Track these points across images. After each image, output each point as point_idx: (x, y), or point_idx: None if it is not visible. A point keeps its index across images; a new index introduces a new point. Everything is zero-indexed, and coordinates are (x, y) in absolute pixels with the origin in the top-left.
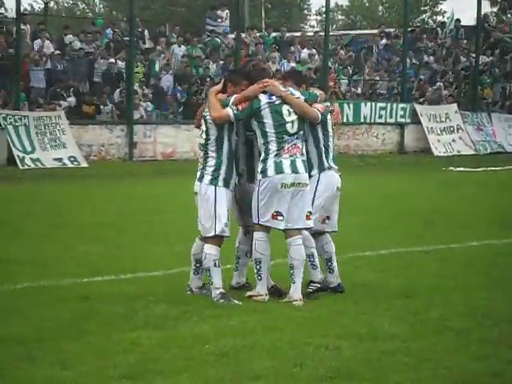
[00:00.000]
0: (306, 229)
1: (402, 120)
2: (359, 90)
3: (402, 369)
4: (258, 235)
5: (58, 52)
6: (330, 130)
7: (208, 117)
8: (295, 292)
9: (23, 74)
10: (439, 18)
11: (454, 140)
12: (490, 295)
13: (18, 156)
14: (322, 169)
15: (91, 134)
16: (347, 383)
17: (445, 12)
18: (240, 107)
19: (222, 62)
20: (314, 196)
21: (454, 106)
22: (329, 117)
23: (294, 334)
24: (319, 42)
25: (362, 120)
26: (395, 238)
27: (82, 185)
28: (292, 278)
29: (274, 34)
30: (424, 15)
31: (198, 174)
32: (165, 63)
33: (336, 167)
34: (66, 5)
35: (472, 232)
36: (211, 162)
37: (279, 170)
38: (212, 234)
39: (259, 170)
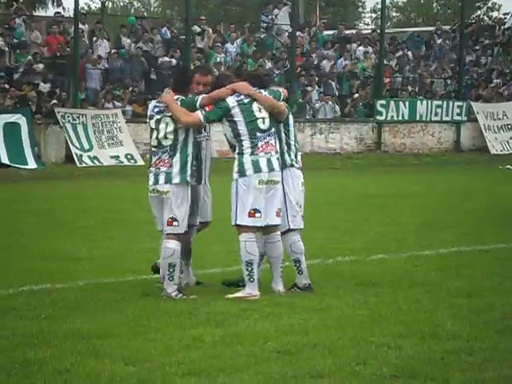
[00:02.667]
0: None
1: (459, 118)
2: (415, 88)
3: (465, 368)
4: (246, 236)
5: (114, 51)
6: (292, 127)
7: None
8: (276, 285)
9: (80, 73)
10: (495, 13)
11: (511, 138)
12: None
13: (75, 154)
14: (284, 165)
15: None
16: (412, 382)
17: (500, 6)
18: (207, 108)
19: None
20: (285, 193)
21: (511, 104)
22: (290, 115)
23: (355, 333)
24: (375, 40)
25: (418, 118)
26: (454, 237)
27: (137, 182)
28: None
29: (328, 32)
30: (479, 11)
31: (163, 175)
32: (219, 61)
33: (298, 165)
34: (121, 4)
35: None
36: (177, 160)
37: (257, 168)
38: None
39: (236, 169)
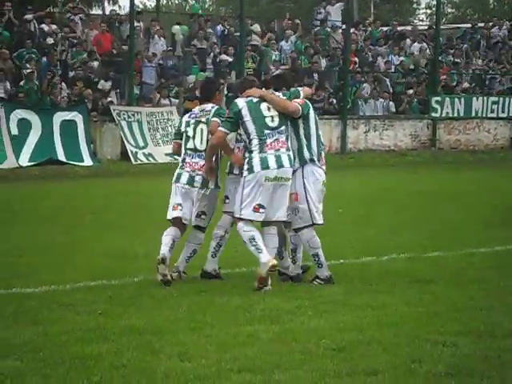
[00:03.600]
0: (284, 222)
1: None
2: (472, 85)
3: None
4: (246, 228)
5: (169, 48)
6: (313, 124)
7: None
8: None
9: (136, 71)
10: None
11: None
12: None
13: (131, 151)
14: (303, 162)
15: None
16: (468, 380)
17: None
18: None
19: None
20: (305, 190)
21: None
22: (311, 111)
23: (410, 331)
24: (430, 36)
25: (474, 114)
26: (511, 235)
27: None
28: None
29: (383, 28)
30: None
31: (200, 179)
32: (274, 58)
33: (319, 162)
34: (176, 1)
35: None
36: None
37: (265, 165)
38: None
39: (245, 166)
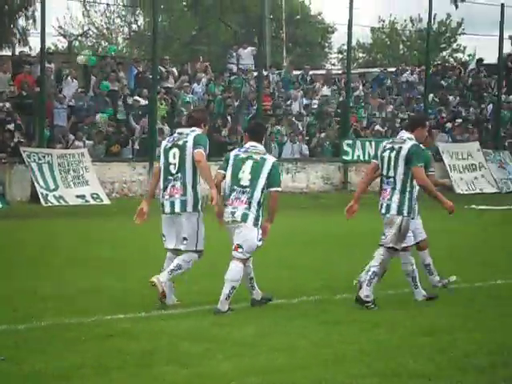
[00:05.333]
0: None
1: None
2: (383, 128)
3: None
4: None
5: (81, 90)
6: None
7: None
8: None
9: (47, 112)
10: (460, 55)
11: (476, 178)
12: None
13: (41, 193)
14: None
15: (113, 172)
16: None
17: (465, 48)
18: None
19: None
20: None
21: (477, 144)
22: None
23: (318, 373)
24: (341, 80)
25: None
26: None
27: (104, 221)
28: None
29: (296, 72)
30: (444, 52)
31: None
32: (187, 101)
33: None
34: (89, 43)
35: (494, 270)
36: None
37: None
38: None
39: None
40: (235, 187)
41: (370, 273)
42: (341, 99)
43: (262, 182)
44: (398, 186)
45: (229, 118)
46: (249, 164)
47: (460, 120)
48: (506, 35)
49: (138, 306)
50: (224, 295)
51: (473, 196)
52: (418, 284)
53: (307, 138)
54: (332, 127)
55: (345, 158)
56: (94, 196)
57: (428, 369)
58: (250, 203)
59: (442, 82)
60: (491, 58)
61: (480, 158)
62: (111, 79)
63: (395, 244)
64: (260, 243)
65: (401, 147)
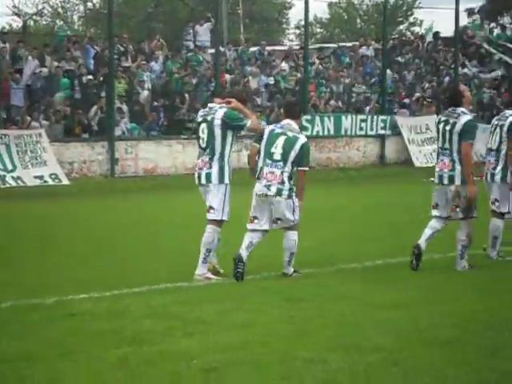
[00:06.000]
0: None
1: (383, 132)
2: (339, 103)
3: (388, 380)
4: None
5: (38, 70)
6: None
7: None
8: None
9: (3, 93)
10: (417, 28)
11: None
12: (477, 304)
13: None
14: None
15: (72, 152)
16: None
17: (422, 21)
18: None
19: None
20: None
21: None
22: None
23: (280, 349)
24: (299, 56)
25: (343, 133)
26: (380, 250)
27: (64, 202)
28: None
29: (253, 49)
30: (401, 26)
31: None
32: (144, 79)
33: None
34: (44, 22)
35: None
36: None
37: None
38: None
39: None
40: (268, 161)
41: (459, 247)
42: (299, 75)
43: (291, 157)
44: (457, 158)
45: (187, 95)
46: (282, 139)
47: (418, 94)
48: (462, 8)
49: (101, 285)
50: (285, 262)
51: (431, 169)
52: (466, 256)
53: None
54: None
55: (304, 133)
56: (53, 176)
57: (391, 342)
58: (282, 178)
59: (399, 56)
60: (448, 31)
61: None
62: (67, 59)
63: (472, 212)
64: (297, 217)
65: (455, 122)
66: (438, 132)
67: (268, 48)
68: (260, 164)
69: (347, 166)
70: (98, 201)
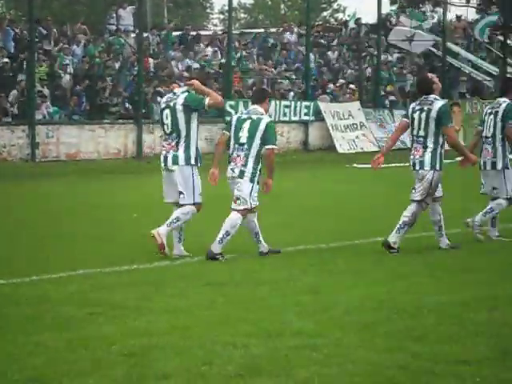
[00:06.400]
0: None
1: (306, 118)
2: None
3: (309, 364)
4: None
5: None
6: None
7: None
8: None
9: None
10: (340, 15)
11: (357, 137)
12: (394, 289)
13: None
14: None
15: None
16: (256, 380)
17: (345, 8)
18: None
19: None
20: None
21: (357, 104)
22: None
23: (201, 333)
24: (223, 41)
25: None
26: (300, 235)
27: None
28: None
29: (177, 33)
30: (325, 13)
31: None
32: (66, 63)
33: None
34: None
35: (376, 228)
36: None
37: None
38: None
39: None
40: (236, 145)
41: (400, 222)
42: (223, 60)
43: (257, 140)
44: (431, 144)
45: (109, 79)
46: (247, 123)
47: (343, 81)
48: None
49: (21, 270)
50: (218, 238)
51: (354, 155)
52: (443, 233)
53: None
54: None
55: (228, 118)
56: None
57: (310, 327)
58: (246, 160)
59: (323, 41)
60: (371, 18)
61: (361, 118)
62: None
63: (425, 197)
64: (254, 203)
65: (430, 108)
66: (413, 121)
67: (192, 33)
68: (231, 150)
69: None
70: (17, 185)
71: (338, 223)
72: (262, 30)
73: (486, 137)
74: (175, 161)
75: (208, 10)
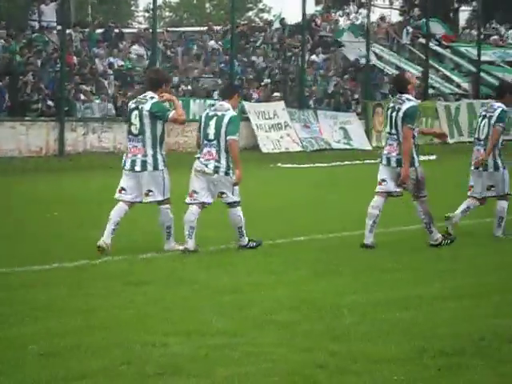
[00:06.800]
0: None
1: None
2: (189, 87)
3: (228, 363)
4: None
5: None
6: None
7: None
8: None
9: None
10: (266, 15)
11: (281, 137)
12: (315, 288)
13: None
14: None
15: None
16: (175, 379)
17: (270, 9)
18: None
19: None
20: None
21: (282, 104)
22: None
23: (120, 333)
24: (148, 39)
25: (192, 117)
26: (221, 235)
27: None
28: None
29: (100, 30)
30: (250, 12)
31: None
32: None
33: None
34: None
35: (297, 227)
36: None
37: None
38: None
39: None
40: (205, 142)
41: (423, 225)
42: (148, 59)
43: (223, 135)
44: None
45: (31, 76)
46: (214, 120)
47: (268, 80)
48: None
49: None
50: (237, 237)
51: (278, 155)
52: (433, 229)
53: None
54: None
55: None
56: None
57: (231, 327)
58: (219, 156)
59: (248, 43)
60: (296, 18)
61: (285, 118)
62: None
63: (419, 192)
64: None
65: (400, 108)
66: (386, 118)
67: (116, 30)
68: (201, 146)
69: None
70: None
71: (261, 223)
72: (187, 29)
73: (479, 139)
74: (144, 166)
75: (133, 8)
